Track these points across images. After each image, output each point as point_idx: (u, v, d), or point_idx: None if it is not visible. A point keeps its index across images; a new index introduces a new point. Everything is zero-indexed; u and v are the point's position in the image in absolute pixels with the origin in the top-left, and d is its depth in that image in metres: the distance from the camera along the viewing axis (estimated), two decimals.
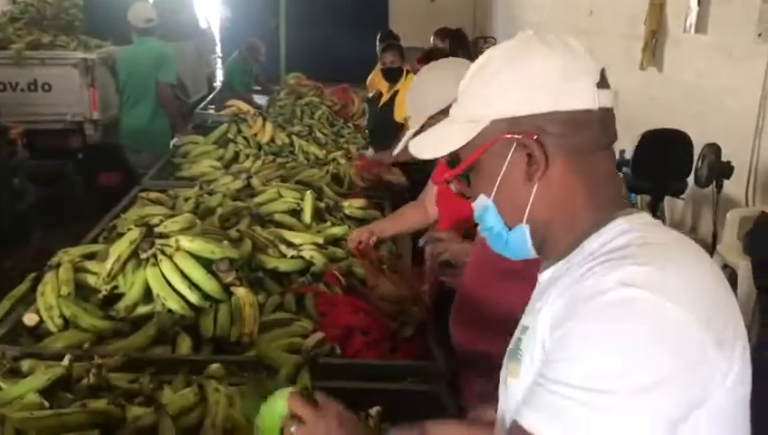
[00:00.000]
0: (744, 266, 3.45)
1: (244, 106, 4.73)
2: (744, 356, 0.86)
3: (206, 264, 2.20)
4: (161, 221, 2.36)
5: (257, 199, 2.97)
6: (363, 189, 3.63)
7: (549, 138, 0.94)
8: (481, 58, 1.02)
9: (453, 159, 1.03)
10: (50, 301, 2.12)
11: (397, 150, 2.06)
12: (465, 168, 1.02)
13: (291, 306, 2.30)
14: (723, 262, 3.59)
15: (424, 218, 2.62)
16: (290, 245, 2.56)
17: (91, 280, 2.23)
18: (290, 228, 2.75)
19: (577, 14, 7.22)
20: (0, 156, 4.27)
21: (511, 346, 1.02)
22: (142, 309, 2.15)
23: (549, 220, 0.98)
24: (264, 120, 4.56)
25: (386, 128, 4.38)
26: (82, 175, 6.16)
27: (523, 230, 0.99)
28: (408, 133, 2.03)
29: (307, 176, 3.66)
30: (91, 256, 2.39)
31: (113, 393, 1.55)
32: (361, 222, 3.12)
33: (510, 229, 1.01)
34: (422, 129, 1.75)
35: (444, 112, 1.57)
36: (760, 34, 4.37)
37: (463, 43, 5.16)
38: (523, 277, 1.10)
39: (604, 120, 0.96)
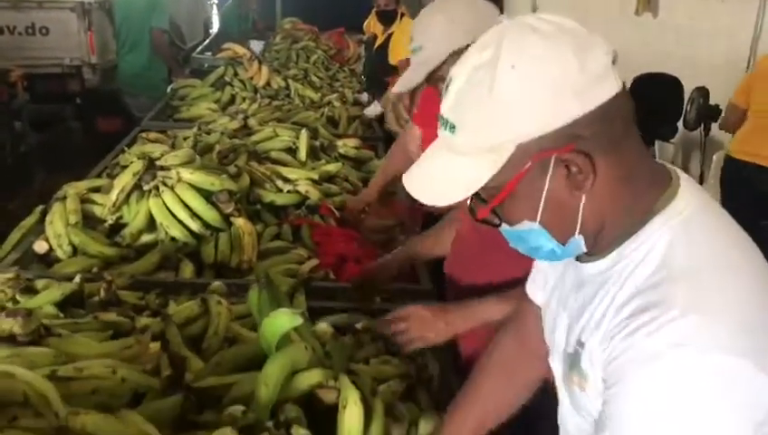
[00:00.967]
0: None
1: (240, 50, 4.78)
2: None
3: (207, 195, 2.31)
4: (162, 155, 2.46)
5: (254, 138, 3.07)
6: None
7: (586, 142, 0.83)
8: (463, 72, 0.86)
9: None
10: (58, 229, 2.23)
11: (397, 88, 1.95)
12: (501, 200, 0.88)
13: (288, 236, 2.42)
14: None
15: (408, 162, 2.73)
16: (286, 180, 2.67)
17: (97, 210, 2.34)
18: (286, 165, 2.85)
19: None
20: (1, 99, 4.33)
21: (570, 351, 0.98)
22: (146, 237, 2.26)
23: (601, 223, 0.90)
24: (260, 63, 4.62)
25: (381, 70, 4.43)
26: (81, 120, 6.21)
27: (578, 241, 0.90)
28: (415, 68, 1.79)
29: (302, 117, 3.75)
30: (95, 190, 2.49)
31: (123, 307, 1.67)
32: (355, 161, 3.22)
33: (564, 245, 0.91)
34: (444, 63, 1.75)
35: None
36: None
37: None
38: None
39: (625, 94, 0.86)
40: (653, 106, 4.88)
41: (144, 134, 3.32)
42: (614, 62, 0.84)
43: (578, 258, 0.96)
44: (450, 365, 1.83)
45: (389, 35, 4.54)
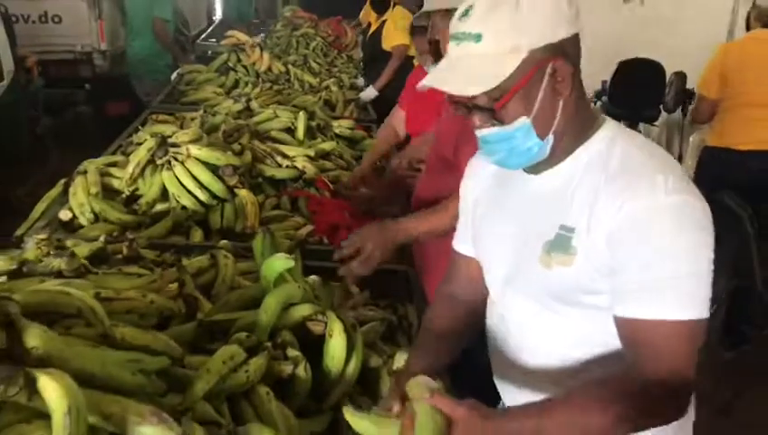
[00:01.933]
0: None
1: (243, 36, 5.03)
2: None
3: (213, 169, 2.57)
4: (173, 134, 2.73)
5: (256, 119, 3.33)
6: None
7: (568, 59, 1.14)
8: None
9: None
10: (81, 199, 2.49)
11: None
12: (511, 96, 1.13)
13: (286, 206, 2.69)
14: None
15: (395, 138, 3.03)
16: (285, 156, 2.93)
17: (115, 183, 2.61)
18: (285, 144, 3.11)
19: None
20: (18, 83, 4.59)
21: (552, 239, 1.21)
22: (160, 206, 2.53)
23: (563, 130, 1.18)
24: (262, 50, 4.87)
25: (375, 55, 4.69)
26: (91, 104, 6.48)
27: (549, 142, 1.18)
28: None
29: (301, 101, 4.01)
30: (112, 165, 2.76)
31: (143, 261, 1.93)
32: (349, 141, 3.49)
33: (541, 142, 1.18)
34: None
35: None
36: None
37: None
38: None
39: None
40: (636, 90, 5.14)
41: (154, 116, 3.58)
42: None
43: (529, 173, 1.26)
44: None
45: (383, 23, 4.79)
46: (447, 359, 1.50)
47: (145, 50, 5.59)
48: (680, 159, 4.75)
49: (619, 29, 5.84)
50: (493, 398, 1.56)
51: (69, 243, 2.08)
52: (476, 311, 1.52)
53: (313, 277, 1.82)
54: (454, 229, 1.56)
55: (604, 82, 5.38)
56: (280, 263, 1.54)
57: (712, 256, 1.10)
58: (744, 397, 3.31)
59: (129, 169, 2.57)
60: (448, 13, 2.13)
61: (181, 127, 3.27)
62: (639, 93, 5.03)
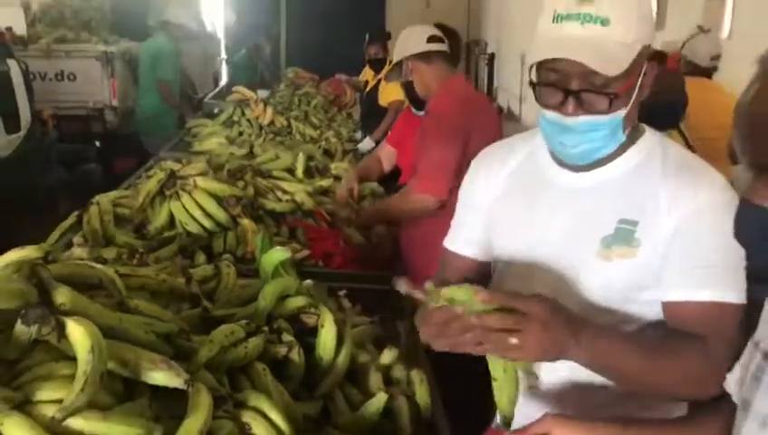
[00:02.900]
0: None
1: (248, 92, 5.32)
2: None
3: (218, 199, 2.77)
4: (181, 168, 2.93)
5: (258, 160, 3.55)
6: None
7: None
8: None
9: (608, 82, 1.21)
10: (95, 226, 2.67)
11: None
12: (629, 85, 1.22)
13: (285, 235, 2.87)
14: None
15: (378, 165, 3.31)
16: (285, 192, 3.13)
17: (126, 212, 2.80)
18: (285, 181, 3.31)
19: None
20: (34, 134, 4.86)
21: (612, 233, 1.28)
22: (167, 233, 2.71)
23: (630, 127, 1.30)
24: (265, 104, 5.15)
25: (372, 111, 4.96)
26: (101, 161, 6.77)
27: (623, 136, 1.28)
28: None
29: (302, 148, 4.23)
30: (123, 198, 2.96)
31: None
32: None
33: (622, 138, 1.27)
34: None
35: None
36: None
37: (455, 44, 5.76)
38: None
39: None
40: (658, 96, 5.29)
41: (162, 163, 3.80)
42: None
43: (576, 171, 1.34)
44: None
45: (379, 81, 5.08)
46: None
47: (152, 108, 5.95)
48: None
49: None
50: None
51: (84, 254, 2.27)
52: None
53: (308, 281, 1.98)
54: None
55: None
56: (277, 254, 1.72)
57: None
58: None
59: (140, 198, 2.76)
60: (414, 56, 2.62)
61: None
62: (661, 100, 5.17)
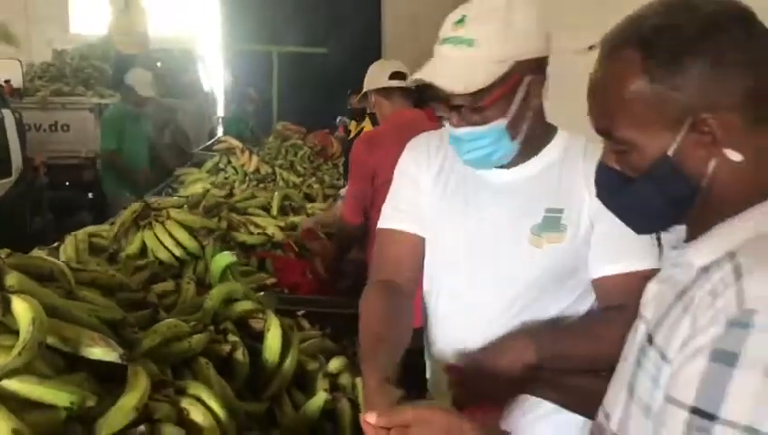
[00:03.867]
0: None
1: (234, 142, 5.50)
2: None
3: (190, 230, 2.89)
4: (157, 202, 3.07)
5: (235, 198, 3.68)
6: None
7: (542, 74, 1.38)
8: (479, 7, 1.35)
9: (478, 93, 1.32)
10: (70, 254, 2.79)
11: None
12: (497, 99, 1.34)
13: (254, 265, 2.98)
14: None
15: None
16: (257, 226, 3.25)
17: (102, 242, 2.92)
18: (259, 217, 3.44)
19: None
20: (25, 179, 5.03)
21: (540, 222, 1.43)
22: (139, 261, 2.82)
23: (531, 133, 1.42)
24: (251, 153, 5.32)
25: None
26: (93, 211, 6.91)
27: (517, 143, 1.41)
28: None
29: (280, 191, 4.37)
30: (102, 231, 3.08)
31: None
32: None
33: (512, 141, 1.40)
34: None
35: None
36: None
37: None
38: None
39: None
40: None
41: None
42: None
43: (499, 168, 1.47)
44: None
45: (361, 129, 5.26)
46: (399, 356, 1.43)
47: (142, 160, 6.04)
48: None
49: None
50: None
51: None
52: (412, 294, 1.61)
53: (260, 293, 2.09)
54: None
55: None
56: (224, 259, 1.83)
57: None
58: None
59: (114, 228, 2.88)
60: (375, 91, 2.84)
61: None
62: None
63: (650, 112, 0.89)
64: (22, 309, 1.23)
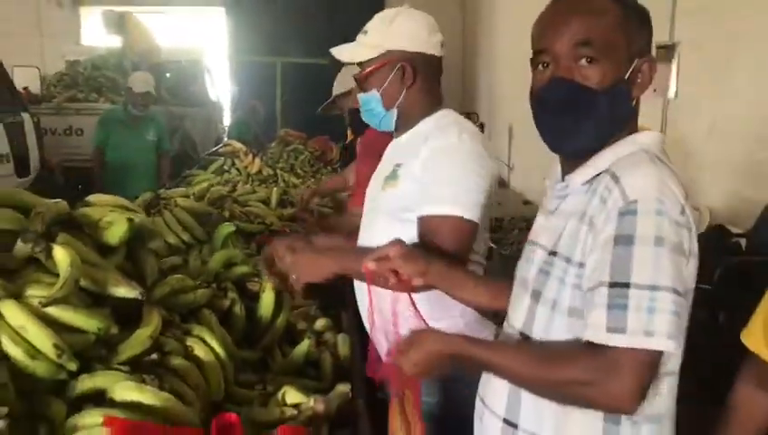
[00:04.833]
0: None
1: (238, 145, 5.82)
2: None
3: (196, 216, 3.20)
4: (165, 192, 3.38)
5: (237, 192, 4.00)
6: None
7: (416, 65, 1.82)
8: (381, 15, 1.86)
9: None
10: None
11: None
12: (371, 73, 1.84)
13: (253, 250, 3.28)
14: None
15: (342, 183, 3.86)
16: (257, 216, 3.56)
17: None
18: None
19: None
20: (43, 179, 5.36)
21: (388, 174, 1.86)
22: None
23: (408, 109, 1.86)
24: (254, 155, 5.64)
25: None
26: None
27: (393, 113, 1.87)
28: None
29: (283, 189, 4.69)
30: None
31: None
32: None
33: (387, 112, 1.86)
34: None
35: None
36: None
37: None
38: None
39: (440, 62, 1.89)
40: None
41: None
42: (442, 45, 1.88)
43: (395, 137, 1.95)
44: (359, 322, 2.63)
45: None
46: None
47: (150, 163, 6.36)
48: None
49: None
50: None
51: None
52: None
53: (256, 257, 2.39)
54: None
55: None
56: (225, 228, 2.14)
57: (481, 181, 1.73)
58: None
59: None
60: (344, 93, 3.23)
61: None
62: None
63: (620, 37, 1.22)
64: (61, 255, 1.54)
